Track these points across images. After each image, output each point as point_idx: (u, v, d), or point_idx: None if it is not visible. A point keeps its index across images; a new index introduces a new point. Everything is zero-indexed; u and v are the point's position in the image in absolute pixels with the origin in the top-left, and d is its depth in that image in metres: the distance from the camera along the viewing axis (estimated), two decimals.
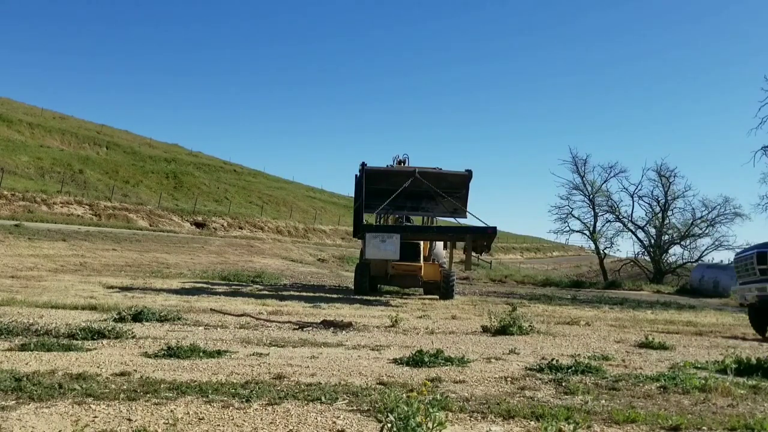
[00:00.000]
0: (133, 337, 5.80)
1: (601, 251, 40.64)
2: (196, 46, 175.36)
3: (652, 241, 40.60)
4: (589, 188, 40.04)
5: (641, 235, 41.18)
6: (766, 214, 35.52)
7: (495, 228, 14.53)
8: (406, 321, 8.22)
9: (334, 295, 14.92)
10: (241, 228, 38.07)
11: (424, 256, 16.78)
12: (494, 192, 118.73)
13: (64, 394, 3.50)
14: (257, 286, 16.40)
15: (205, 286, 14.91)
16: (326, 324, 7.28)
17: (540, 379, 4.61)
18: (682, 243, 40.40)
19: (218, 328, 6.78)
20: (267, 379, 4.18)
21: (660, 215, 40.59)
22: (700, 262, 37.05)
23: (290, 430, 3.07)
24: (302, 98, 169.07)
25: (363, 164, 15.34)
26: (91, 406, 3.31)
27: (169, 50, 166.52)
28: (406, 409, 2.74)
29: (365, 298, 14.58)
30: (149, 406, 3.36)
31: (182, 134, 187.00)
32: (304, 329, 6.95)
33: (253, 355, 5.14)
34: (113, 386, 3.74)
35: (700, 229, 39.81)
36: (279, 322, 7.49)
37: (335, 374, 4.46)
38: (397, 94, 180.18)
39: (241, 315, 7.89)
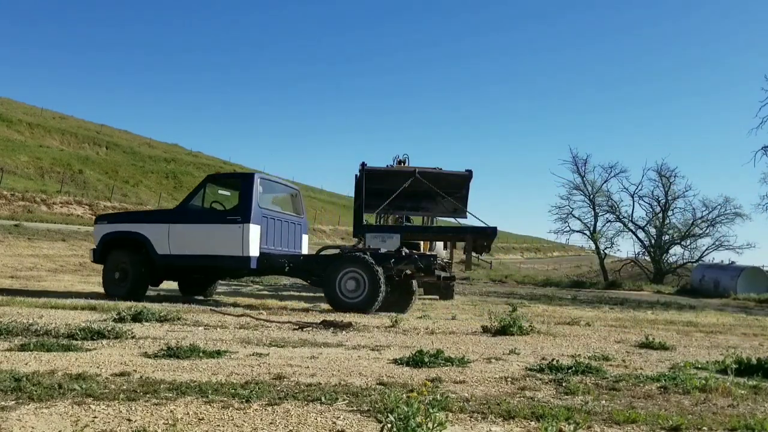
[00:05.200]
0: (132, 337, 5.80)
1: (602, 251, 40.66)
2: (196, 45, 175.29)
3: (653, 241, 40.64)
4: (590, 188, 40.10)
5: (641, 235, 41.24)
6: (767, 214, 35.61)
7: (495, 228, 14.50)
8: (406, 321, 8.21)
9: None
10: None
11: None
12: (494, 192, 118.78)
13: (63, 394, 3.50)
14: (257, 286, 16.38)
15: None
16: (326, 324, 7.28)
17: (540, 379, 4.60)
18: (682, 243, 40.49)
19: (218, 328, 6.77)
20: (267, 379, 4.17)
21: (660, 215, 40.65)
22: (700, 262, 37.09)
23: (290, 430, 3.06)
24: (302, 98, 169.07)
25: (363, 164, 15.32)
26: (91, 406, 3.30)
27: (168, 50, 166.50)
28: (406, 409, 2.74)
29: None
30: (149, 406, 3.35)
31: (182, 134, 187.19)
32: (304, 329, 6.95)
33: (253, 355, 5.14)
34: (113, 386, 3.73)
35: (701, 229, 39.89)
36: (279, 322, 7.49)
37: (335, 374, 4.46)
38: (397, 94, 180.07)
39: (241, 315, 7.88)
